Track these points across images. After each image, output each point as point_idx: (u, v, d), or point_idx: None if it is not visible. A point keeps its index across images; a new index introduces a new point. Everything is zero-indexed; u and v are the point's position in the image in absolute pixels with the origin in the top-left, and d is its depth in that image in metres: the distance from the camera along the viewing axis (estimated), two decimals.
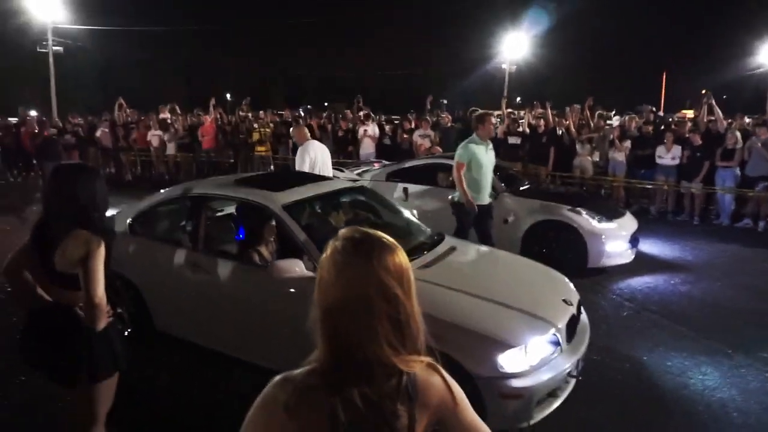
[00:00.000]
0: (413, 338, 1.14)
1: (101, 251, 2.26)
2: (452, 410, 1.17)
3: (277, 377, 1.17)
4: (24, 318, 2.52)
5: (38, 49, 26.23)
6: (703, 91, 9.98)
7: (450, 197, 5.81)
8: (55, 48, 26.41)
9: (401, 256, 1.16)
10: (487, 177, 5.68)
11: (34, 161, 14.08)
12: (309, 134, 6.64)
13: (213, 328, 3.98)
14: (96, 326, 2.29)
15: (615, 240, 6.15)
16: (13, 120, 16.48)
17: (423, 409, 1.14)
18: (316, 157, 6.22)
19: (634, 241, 6.35)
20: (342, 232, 1.20)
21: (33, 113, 18.48)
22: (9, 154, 14.40)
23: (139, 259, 4.31)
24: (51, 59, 26.12)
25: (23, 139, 13.78)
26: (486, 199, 5.71)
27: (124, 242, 4.24)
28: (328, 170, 6.35)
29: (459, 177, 5.57)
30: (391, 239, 1.20)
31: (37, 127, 14.05)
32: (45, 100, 26.71)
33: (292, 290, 3.45)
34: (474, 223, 5.67)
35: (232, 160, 13.75)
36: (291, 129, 10.56)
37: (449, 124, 11.82)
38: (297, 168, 6.22)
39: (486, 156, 5.61)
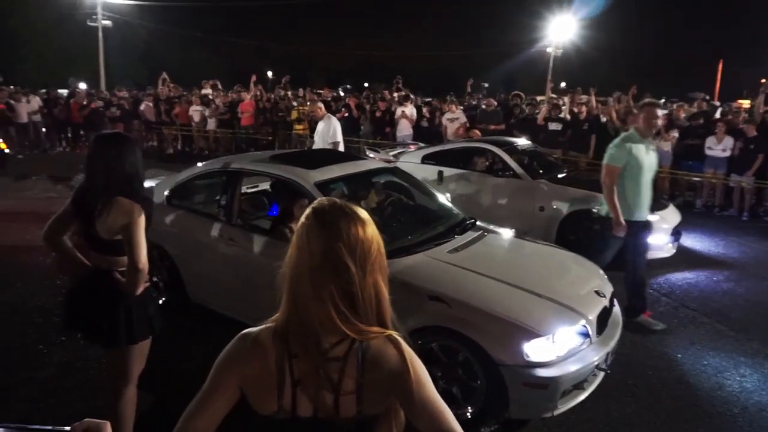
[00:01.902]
0: (365, 310, 1.15)
1: (143, 219, 2.36)
2: (406, 384, 1.14)
3: (240, 333, 1.23)
4: (68, 282, 2.62)
5: (88, 23, 27.08)
6: (763, 81, 9.42)
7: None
8: (104, 22, 27.19)
9: (361, 228, 1.16)
10: (648, 185, 4.45)
11: (81, 132, 14.67)
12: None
13: (244, 301, 4.05)
14: (135, 291, 2.37)
15: (656, 233, 5.91)
16: (64, 92, 17.13)
17: (371, 378, 1.15)
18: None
19: (676, 234, 6.13)
20: (315, 201, 1.24)
21: (82, 86, 19.20)
22: (59, 124, 14.99)
23: (175, 230, 4.42)
24: (100, 33, 26.93)
25: (72, 110, 14.32)
26: (646, 214, 4.49)
27: (161, 213, 4.35)
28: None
29: (610, 186, 4.35)
30: (359, 211, 1.20)
31: (85, 99, 14.62)
32: (93, 74, 27.64)
33: None
34: (628, 242, 4.43)
35: (270, 138, 13.90)
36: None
37: (494, 108, 11.43)
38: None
39: (647, 158, 4.41)
